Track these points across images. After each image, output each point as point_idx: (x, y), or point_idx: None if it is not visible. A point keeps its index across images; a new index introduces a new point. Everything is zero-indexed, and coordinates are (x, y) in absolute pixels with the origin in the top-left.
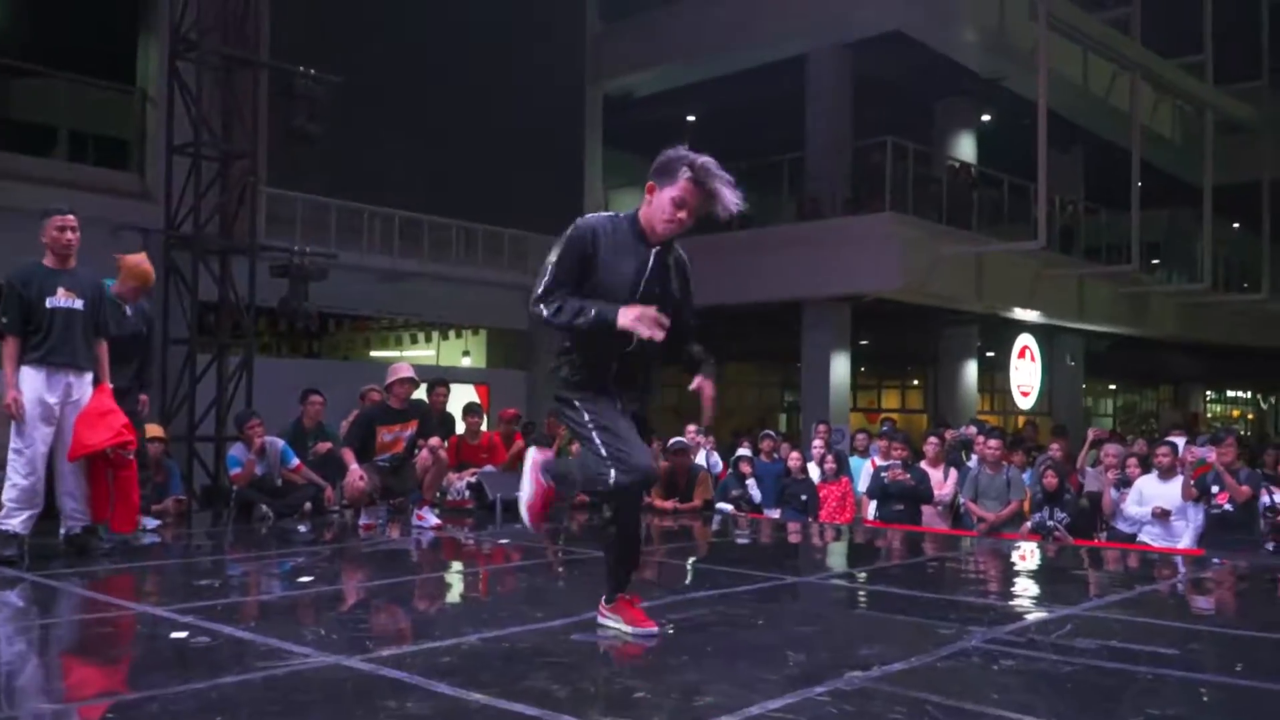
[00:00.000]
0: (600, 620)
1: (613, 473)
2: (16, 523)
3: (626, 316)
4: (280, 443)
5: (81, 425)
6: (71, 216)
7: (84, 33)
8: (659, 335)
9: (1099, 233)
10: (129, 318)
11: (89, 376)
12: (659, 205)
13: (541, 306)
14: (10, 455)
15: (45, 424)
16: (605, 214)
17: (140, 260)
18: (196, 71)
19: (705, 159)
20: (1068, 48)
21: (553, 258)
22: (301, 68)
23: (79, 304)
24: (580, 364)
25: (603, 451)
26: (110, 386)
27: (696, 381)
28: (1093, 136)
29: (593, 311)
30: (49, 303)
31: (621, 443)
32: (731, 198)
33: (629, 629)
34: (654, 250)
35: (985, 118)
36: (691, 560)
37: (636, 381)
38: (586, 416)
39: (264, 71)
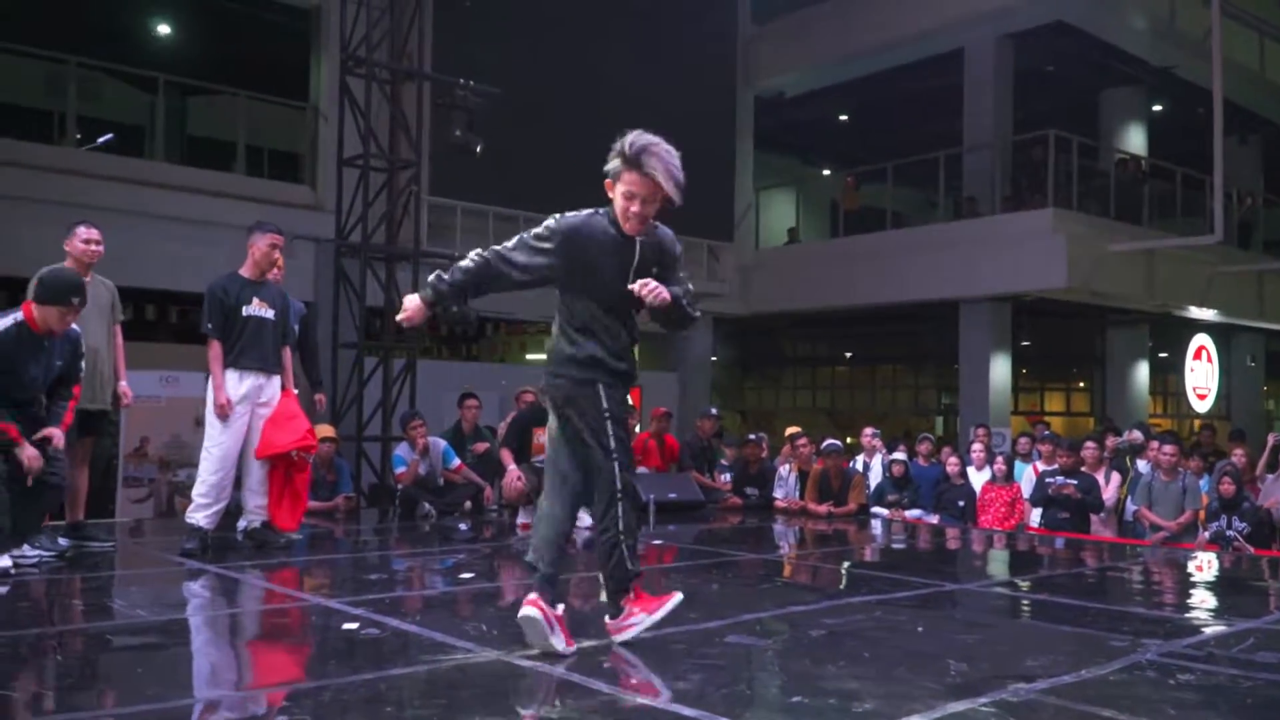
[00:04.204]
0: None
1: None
2: (202, 517)
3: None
4: (442, 443)
5: (270, 427)
6: (281, 236)
7: (259, 52)
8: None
9: None
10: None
11: (276, 380)
12: (616, 204)
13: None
14: (203, 452)
15: (238, 424)
16: (583, 212)
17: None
18: (365, 86)
19: (642, 140)
20: (1243, 33)
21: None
22: (461, 80)
23: (270, 314)
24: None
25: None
26: (295, 392)
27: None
28: (1271, 125)
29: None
30: (245, 311)
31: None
32: (667, 180)
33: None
34: (639, 242)
35: (1156, 108)
36: (846, 565)
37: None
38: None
39: (426, 84)
